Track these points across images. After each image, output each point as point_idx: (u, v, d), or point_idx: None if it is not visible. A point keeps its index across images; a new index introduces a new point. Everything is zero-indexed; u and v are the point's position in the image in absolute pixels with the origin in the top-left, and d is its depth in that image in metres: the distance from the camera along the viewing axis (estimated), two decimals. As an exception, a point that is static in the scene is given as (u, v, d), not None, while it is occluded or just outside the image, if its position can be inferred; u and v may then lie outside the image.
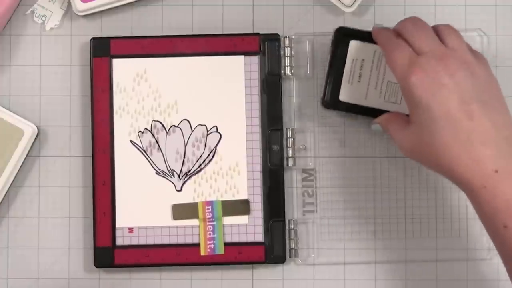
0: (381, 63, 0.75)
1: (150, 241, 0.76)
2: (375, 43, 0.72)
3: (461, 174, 0.62)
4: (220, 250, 0.76)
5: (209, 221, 0.76)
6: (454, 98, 0.62)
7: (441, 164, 0.63)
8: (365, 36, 0.75)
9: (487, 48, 0.77)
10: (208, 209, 0.76)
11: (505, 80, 0.77)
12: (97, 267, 0.76)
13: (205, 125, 0.77)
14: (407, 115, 0.67)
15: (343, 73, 0.75)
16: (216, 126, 0.77)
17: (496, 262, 0.76)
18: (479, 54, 0.67)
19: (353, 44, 0.75)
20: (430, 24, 0.69)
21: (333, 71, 0.75)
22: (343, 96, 0.75)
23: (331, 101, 0.75)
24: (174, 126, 0.77)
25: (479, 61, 0.65)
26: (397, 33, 0.68)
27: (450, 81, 0.62)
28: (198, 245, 0.76)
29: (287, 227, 0.76)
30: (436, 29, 0.67)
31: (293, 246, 0.76)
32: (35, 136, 0.77)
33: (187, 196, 0.76)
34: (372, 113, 0.74)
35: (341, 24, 0.77)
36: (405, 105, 0.66)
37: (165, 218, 0.76)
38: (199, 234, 0.76)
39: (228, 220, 0.76)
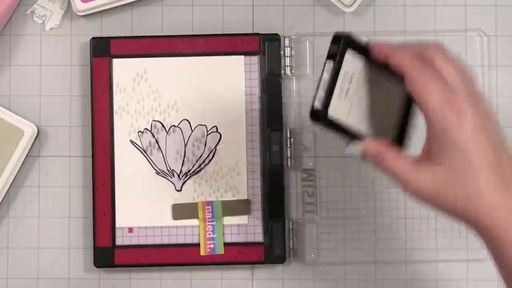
0: (373, 83, 0.65)
1: (150, 241, 0.76)
2: (369, 56, 0.63)
3: (490, 221, 0.58)
4: (220, 250, 0.76)
5: (209, 221, 0.76)
6: (489, 145, 0.58)
7: (468, 210, 0.58)
8: (362, 48, 0.64)
9: (487, 48, 0.77)
10: (208, 209, 0.76)
11: (505, 80, 0.77)
12: (97, 267, 0.76)
13: (205, 125, 0.77)
14: (402, 149, 0.62)
15: (335, 84, 0.63)
16: (216, 126, 0.77)
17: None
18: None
19: (349, 55, 0.63)
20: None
21: (324, 81, 0.63)
22: (332, 111, 0.63)
23: (317, 115, 0.63)
24: (174, 126, 0.77)
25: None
26: (418, 55, 0.60)
27: (484, 126, 0.58)
28: (198, 245, 0.76)
29: (287, 227, 0.76)
30: (426, 57, 0.60)
31: (293, 246, 0.76)
32: (35, 136, 0.77)
33: (187, 196, 0.76)
34: (351, 135, 0.63)
35: (341, 24, 0.77)
36: (385, 135, 0.61)
37: (165, 218, 0.76)
38: (199, 234, 0.76)
39: (228, 220, 0.76)
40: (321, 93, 0.63)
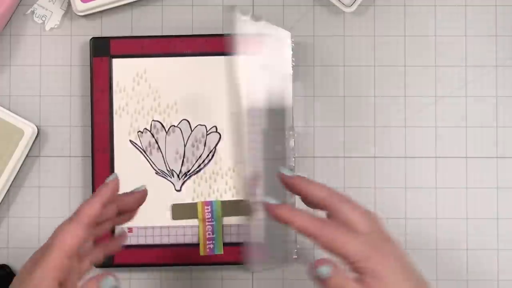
0: None
1: (150, 241, 0.76)
2: None
3: None
4: (219, 250, 0.76)
5: (208, 221, 0.76)
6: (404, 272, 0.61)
7: None
8: None
9: (487, 48, 0.77)
10: (208, 209, 0.76)
11: (505, 80, 0.77)
12: (96, 267, 0.76)
13: (204, 125, 0.77)
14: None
15: None
16: (215, 126, 0.77)
17: (496, 262, 0.76)
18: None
19: None
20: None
21: None
22: None
23: None
24: (174, 126, 0.77)
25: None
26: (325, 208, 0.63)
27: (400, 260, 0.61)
28: (197, 245, 0.76)
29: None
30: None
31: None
32: (35, 136, 0.77)
33: (186, 196, 0.76)
34: None
35: (341, 24, 0.77)
36: None
37: (165, 218, 0.76)
38: (198, 234, 0.76)
39: (227, 220, 0.76)
40: None
